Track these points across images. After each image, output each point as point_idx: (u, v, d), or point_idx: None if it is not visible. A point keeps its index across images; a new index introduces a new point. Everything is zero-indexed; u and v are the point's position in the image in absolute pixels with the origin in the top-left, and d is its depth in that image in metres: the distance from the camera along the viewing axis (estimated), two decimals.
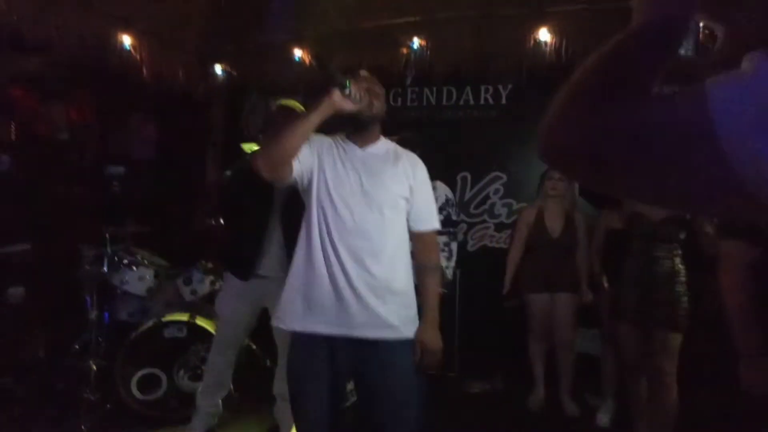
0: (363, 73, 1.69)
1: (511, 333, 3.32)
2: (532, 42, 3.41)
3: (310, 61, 3.97)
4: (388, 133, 1.81)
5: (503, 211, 3.78)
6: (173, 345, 2.87)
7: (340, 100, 1.55)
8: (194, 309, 2.96)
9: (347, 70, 1.64)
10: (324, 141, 1.71)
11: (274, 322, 1.74)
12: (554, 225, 3.03)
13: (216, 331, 2.60)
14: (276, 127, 2.38)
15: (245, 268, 2.43)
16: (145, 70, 3.62)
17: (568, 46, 3.38)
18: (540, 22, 3.38)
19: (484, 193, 3.82)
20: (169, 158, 4.24)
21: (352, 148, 1.70)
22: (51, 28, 3.02)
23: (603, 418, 2.90)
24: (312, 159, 1.65)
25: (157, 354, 2.83)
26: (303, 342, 1.66)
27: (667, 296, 2.31)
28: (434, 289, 1.72)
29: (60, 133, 3.66)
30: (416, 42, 3.61)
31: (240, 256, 2.49)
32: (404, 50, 3.64)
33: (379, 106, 1.65)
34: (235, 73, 4.16)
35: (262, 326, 2.66)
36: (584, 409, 3.05)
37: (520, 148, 3.69)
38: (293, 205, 2.48)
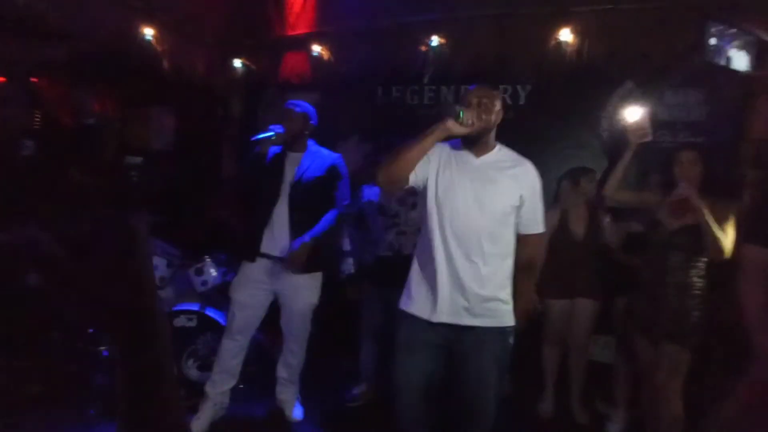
0: (476, 88, 1.85)
1: (522, 336, 3.26)
2: (553, 42, 3.36)
3: (328, 57, 3.98)
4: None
5: None
6: (183, 334, 2.89)
7: (453, 126, 1.74)
8: (205, 299, 2.99)
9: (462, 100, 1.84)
10: (443, 151, 1.88)
11: (400, 304, 1.93)
12: (578, 228, 2.96)
13: (228, 316, 2.62)
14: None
15: (251, 248, 2.54)
16: (166, 62, 3.67)
17: (591, 47, 3.33)
18: (562, 21, 3.33)
19: None
20: (186, 150, 4.29)
21: (468, 158, 1.86)
22: (76, 17, 3.07)
23: (613, 428, 2.83)
24: (427, 169, 1.85)
25: None
26: (411, 322, 1.86)
27: (676, 308, 2.20)
28: (529, 284, 2.04)
29: (86, 119, 3.73)
30: (435, 40, 3.59)
31: (246, 238, 2.61)
32: (423, 48, 3.62)
33: (489, 119, 1.81)
34: (254, 68, 4.19)
35: (268, 316, 2.69)
36: (595, 418, 2.99)
37: (536, 149, 3.59)
38: (301, 193, 2.53)
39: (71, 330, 3.18)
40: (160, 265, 3.09)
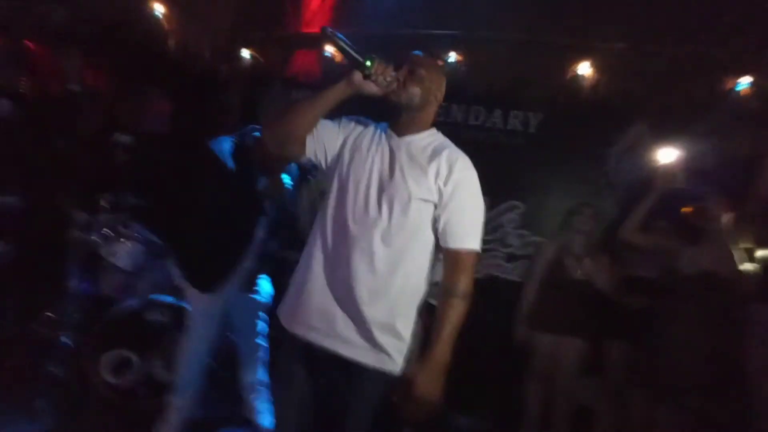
0: (416, 54, 1.50)
1: (505, 368, 3.15)
2: (570, 74, 3.33)
3: (340, 60, 3.88)
4: None
5: (516, 241, 3.63)
6: (153, 329, 2.68)
7: (359, 82, 1.39)
8: (181, 294, 2.79)
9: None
10: (363, 123, 1.55)
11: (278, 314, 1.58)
12: (575, 264, 2.88)
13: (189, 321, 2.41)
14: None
15: (209, 283, 2.26)
16: (171, 42, 3.51)
17: (607, 83, 3.30)
18: (582, 54, 3.31)
19: (497, 221, 3.68)
20: (179, 136, 4.09)
21: (389, 135, 1.49)
22: None
23: None
24: (335, 139, 1.50)
25: (134, 336, 2.65)
26: (287, 339, 1.49)
27: (680, 363, 2.10)
28: (453, 323, 1.37)
29: (71, 86, 3.51)
30: (453, 56, 3.52)
31: (208, 268, 2.27)
32: (439, 62, 3.55)
33: (418, 92, 1.44)
34: (261, 60, 4.05)
35: None
36: None
37: (541, 179, 3.57)
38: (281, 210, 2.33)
39: (27, 310, 2.94)
40: (137, 252, 2.89)
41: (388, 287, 1.39)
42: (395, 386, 1.38)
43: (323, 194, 1.55)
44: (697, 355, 2.10)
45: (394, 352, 1.40)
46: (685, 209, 2.08)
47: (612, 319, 2.78)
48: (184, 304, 2.69)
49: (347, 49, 1.37)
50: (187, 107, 4.13)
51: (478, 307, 3.38)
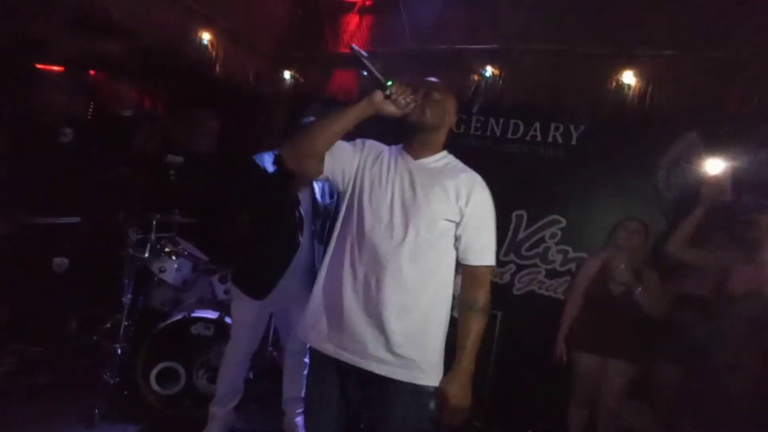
0: (431, 80, 1.56)
1: (549, 389, 3.05)
2: (613, 83, 3.21)
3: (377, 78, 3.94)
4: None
5: (558, 257, 3.52)
6: (198, 342, 2.81)
7: (380, 101, 1.43)
8: (225, 309, 2.91)
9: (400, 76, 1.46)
10: (376, 147, 1.60)
11: (297, 332, 1.63)
12: (620, 281, 2.75)
13: (231, 337, 2.51)
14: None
15: (260, 289, 2.35)
16: (218, 67, 3.70)
17: (653, 93, 3.16)
18: (624, 63, 3.18)
19: (538, 236, 3.58)
20: (227, 156, 4.30)
21: (405, 158, 1.54)
22: (137, 15, 3.13)
23: None
24: (352, 160, 1.54)
25: (181, 349, 2.79)
26: (316, 360, 1.55)
27: (725, 391, 1.96)
28: (475, 334, 1.47)
29: (128, 112, 3.78)
30: (489, 70, 3.49)
31: (258, 276, 2.39)
32: (475, 77, 3.53)
33: (434, 115, 1.50)
34: (302, 80, 4.19)
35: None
36: None
37: (584, 193, 3.44)
38: (322, 217, 2.41)
39: (89, 322, 3.16)
40: (185, 267, 3.05)
41: (417, 304, 1.44)
42: (429, 398, 1.44)
43: (336, 214, 1.59)
44: (747, 381, 1.95)
45: (425, 366, 1.45)
46: (739, 223, 1.94)
47: (660, 340, 2.63)
48: (227, 319, 2.81)
49: (371, 68, 1.42)
50: (233, 128, 4.34)
51: (518, 325, 3.33)
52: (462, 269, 1.53)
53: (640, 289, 2.60)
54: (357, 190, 1.52)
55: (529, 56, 3.46)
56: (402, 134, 1.58)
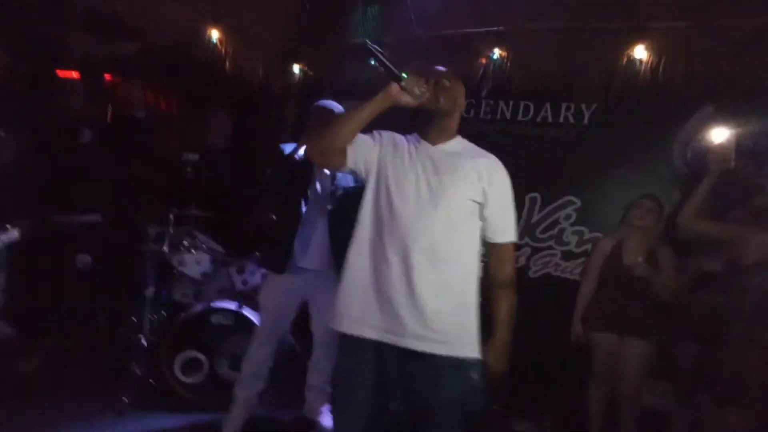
0: (438, 68, 1.62)
1: (567, 373, 3.03)
2: (625, 59, 3.16)
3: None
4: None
5: (573, 239, 3.49)
6: (219, 332, 2.89)
7: (397, 93, 1.49)
8: (243, 299, 2.98)
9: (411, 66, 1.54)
10: (395, 137, 1.67)
11: (328, 321, 1.68)
12: (634, 260, 2.72)
13: (258, 323, 2.59)
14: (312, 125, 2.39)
15: (280, 261, 2.44)
16: (228, 64, 3.77)
17: (667, 66, 3.09)
18: (636, 38, 3.12)
19: (553, 218, 3.55)
20: (240, 151, 4.37)
21: (423, 145, 1.62)
22: (149, 17, 3.21)
23: None
24: (373, 151, 1.61)
25: (203, 339, 2.87)
26: (348, 345, 1.58)
27: (739, 366, 1.91)
28: (507, 306, 1.62)
29: (143, 112, 3.88)
30: (497, 52, 3.47)
31: (275, 249, 2.50)
32: (483, 60, 3.51)
33: (447, 100, 1.58)
34: (311, 74, 4.22)
35: (300, 319, 2.63)
36: None
37: (598, 173, 3.40)
38: (340, 203, 2.46)
39: (114, 316, 3.27)
40: (203, 260, 3.13)
41: (452, 281, 1.53)
42: (471, 370, 1.53)
43: (358, 201, 1.64)
44: (762, 353, 1.91)
45: (464, 340, 1.54)
46: (750, 189, 1.90)
47: (677, 318, 2.59)
48: (245, 310, 2.88)
49: (386, 62, 1.47)
50: (246, 124, 4.41)
51: (535, 308, 3.32)
52: (489, 248, 1.64)
53: (652, 263, 2.58)
54: (382, 179, 1.59)
55: (537, 35, 3.42)
56: (417, 123, 1.64)
